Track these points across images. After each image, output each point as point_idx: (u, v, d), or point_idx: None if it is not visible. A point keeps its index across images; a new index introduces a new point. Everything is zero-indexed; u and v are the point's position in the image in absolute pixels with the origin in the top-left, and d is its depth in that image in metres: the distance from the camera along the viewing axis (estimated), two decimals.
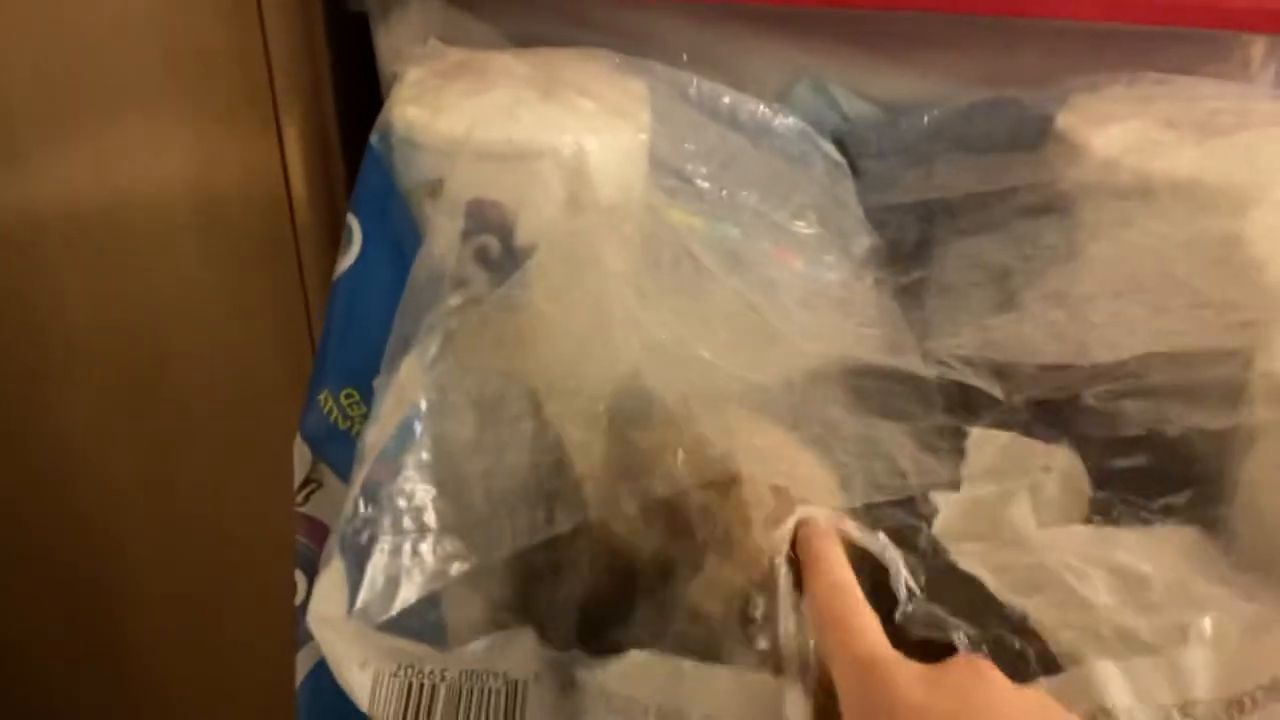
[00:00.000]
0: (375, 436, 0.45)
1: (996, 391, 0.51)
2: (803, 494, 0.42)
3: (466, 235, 0.51)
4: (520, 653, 0.43)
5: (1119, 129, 0.57)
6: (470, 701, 0.42)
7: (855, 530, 0.42)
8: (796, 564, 0.41)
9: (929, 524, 0.45)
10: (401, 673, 0.42)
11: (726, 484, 0.42)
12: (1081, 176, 0.57)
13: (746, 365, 0.48)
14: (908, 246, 0.61)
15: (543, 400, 0.45)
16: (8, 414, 0.85)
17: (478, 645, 0.43)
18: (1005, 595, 0.42)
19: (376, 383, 0.48)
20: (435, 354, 0.46)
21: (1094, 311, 0.53)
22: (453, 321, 0.47)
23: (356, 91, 0.72)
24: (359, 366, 0.52)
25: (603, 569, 0.44)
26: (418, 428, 0.45)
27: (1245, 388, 0.50)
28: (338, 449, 0.53)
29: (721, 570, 0.41)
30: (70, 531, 0.90)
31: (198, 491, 0.87)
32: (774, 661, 0.39)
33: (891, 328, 0.56)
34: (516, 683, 0.43)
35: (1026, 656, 0.41)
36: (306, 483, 0.55)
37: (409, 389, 0.45)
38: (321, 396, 0.53)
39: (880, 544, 0.42)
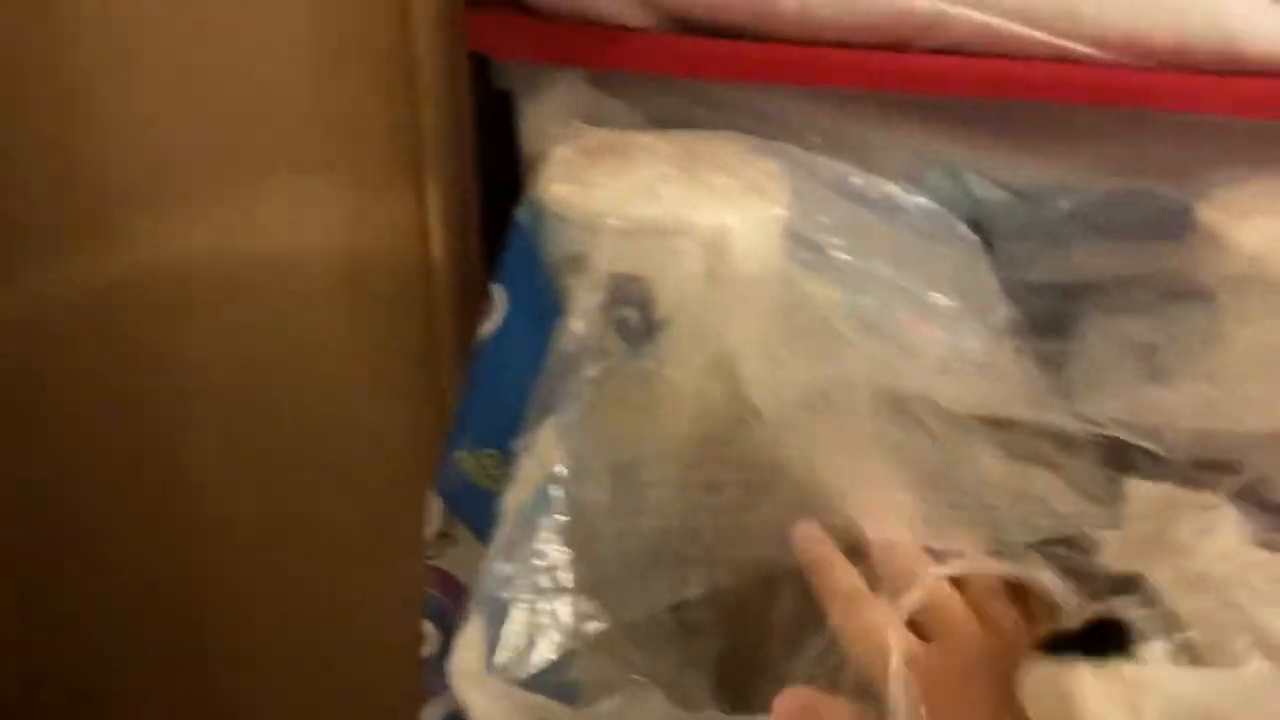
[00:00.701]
0: (514, 498, 0.47)
1: (1156, 447, 0.51)
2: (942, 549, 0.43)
3: (607, 307, 0.53)
4: (650, 713, 0.44)
5: (1263, 223, 0.58)
6: None
7: (1009, 566, 0.42)
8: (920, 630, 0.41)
9: (1091, 555, 0.45)
10: None
11: (853, 550, 0.43)
12: (1226, 268, 0.58)
13: (884, 423, 0.49)
14: (1048, 321, 0.61)
15: (678, 467, 0.46)
16: (144, 468, 0.88)
17: (608, 705, 0.44)
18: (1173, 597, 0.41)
19: (516, 445, 0.50)
20: (574, 421, 0.48)
21: (1247, 389, 0.54)
22: (591, 391, 0.49)
23: (492, 164, 0.75)
24: (498, 429, 0.54)
25: (734, 631, 0.44)
26: (555, 491, 0.47)
27: None
28: (474, 506, 0.55)
29: (845, 637, 0.42)
30: (193, 581, 0.93)
31: (321, 546, 0.90)
32: None
33: (1036, 389, 0.56)
34: None
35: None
36: (439, 537, 0.56)
37: (547, 454, 0.47)
38: (459, 455, 0.56)
39: (1032, 570, 0.42)
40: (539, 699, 0.44)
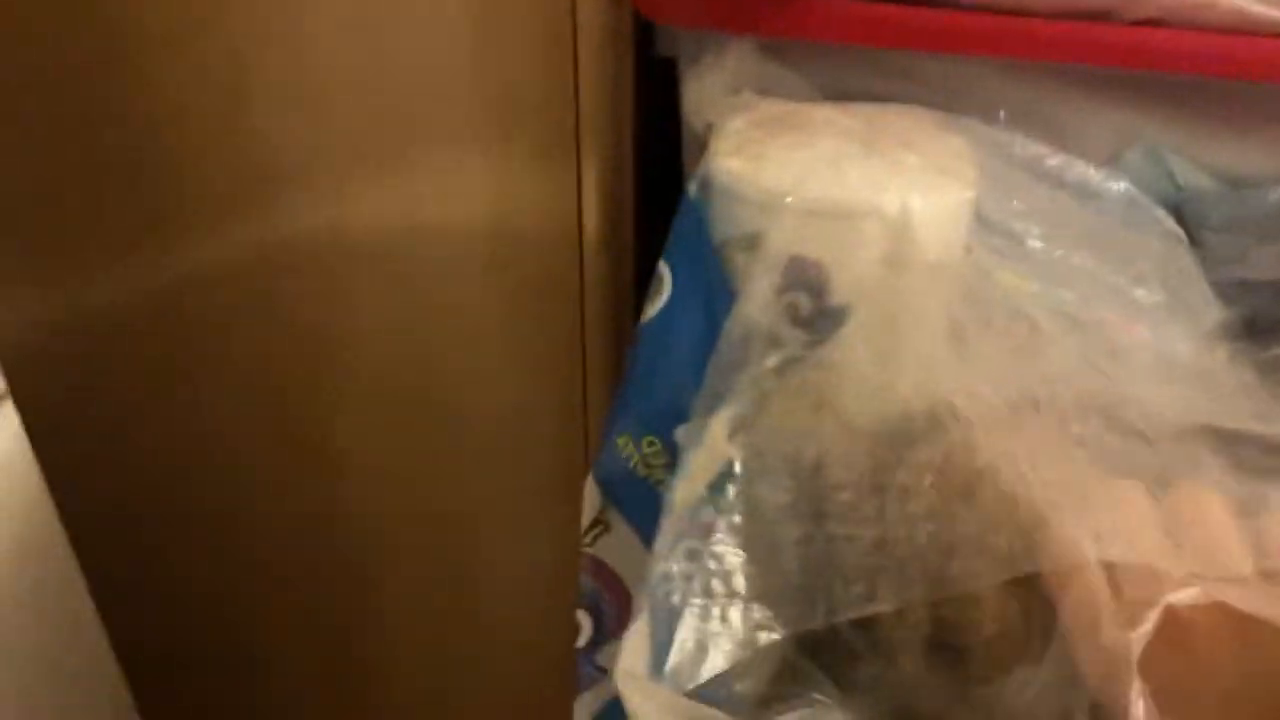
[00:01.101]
0: (685, 493, 0.44)
1: None
2: (1174, 570, 0.38)
3: (781, 292, 0.50)
4: None
5: None
6: None
7: (1249, 598, 0.37)
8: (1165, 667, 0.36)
9: None
10: None
11: (1069, 569, 0.38)
12: None
13: (1095, 428, 0.44)
14: (1265, 323, 0.56)
15: (863, 468, 0.42)
16: (297, 449, 0.88)
17: None
18: None
19: (680, 434, 0.47)
20: (750, 414, 0.44)
21: None
22: (769, 383, 0.45)
23: (650, 136, 0.72)
24: (661, 415, 0.51)
25: (925, 654, 0.40)
26: (730, 489, 0.43)
27: None
28: (633, 494, 0.52)
29: (1061, 672, 0.37)
30: (342, 564, 0.93)
31: (470, 529, 0.88)
32: None
33: (1257, 401, 0.51)
34: None
35: None
36: (594, 524, 0.54)
37: (721, 448, 0.44)
38: (621, 440, 0.53)
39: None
40: (708, 710, 0.40)
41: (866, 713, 0.41)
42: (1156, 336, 0.55)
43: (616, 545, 0.53)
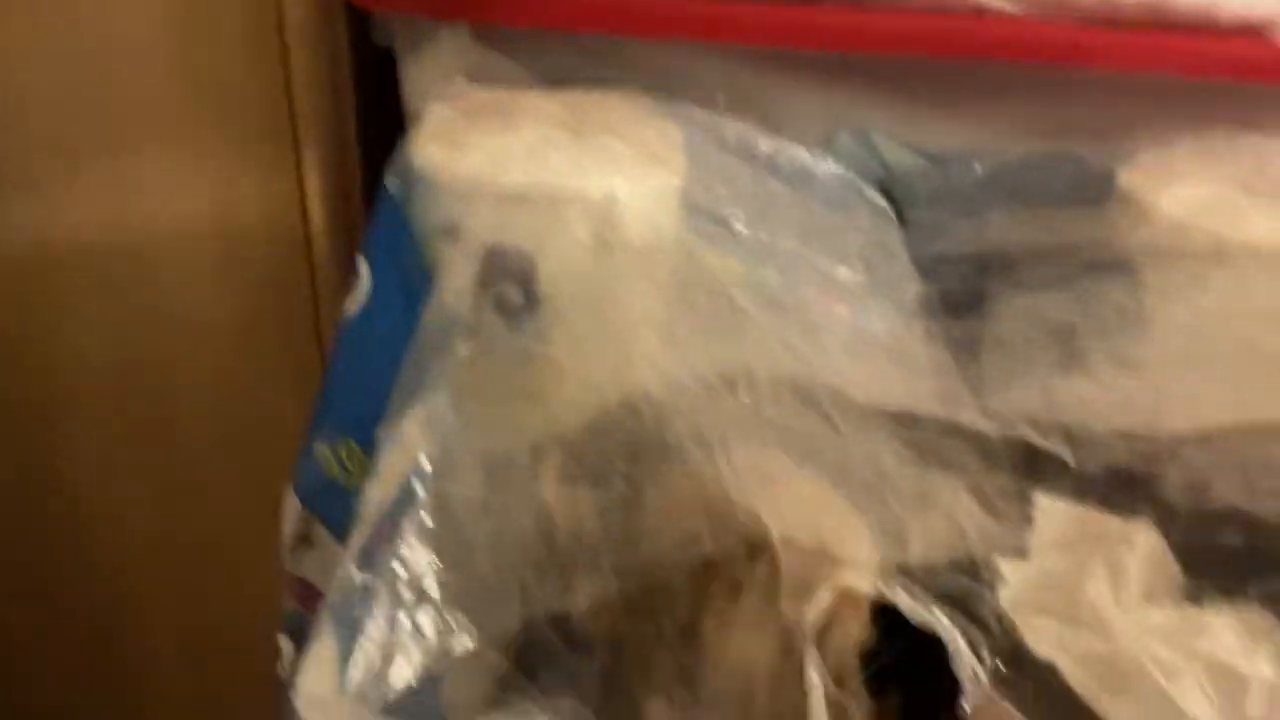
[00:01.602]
0: (377, 495, 0.41)
1: (1067, 456, 0.47)
2: (844, 554, 0.38)
3: (484, 283, 0.48)
4: None
5: (1188, 190, 0.54)
6: None
7: (907, 600, 0.37)
8: (836, 636, 0.36)
9: (993, 592, 0.40)
10: None
11: (753, 547, 0.38)
12: (1149, 237, 0.53)
13: (787, 409, 0.44)
14: (960, 298, 0.57)
15: (558, 458, 0.41)
16: (19, 448, 0.82)
17: None
18: (1088, 691, 0.37)
19: (379, 435, 0.44)
20: (443, 407, 0.42)
21: (1168, 378, 0.50)
22: (463, 374, 0.43)
23: (383, 129, 0.69)
24: (360, 418, 0.48)
25: (623, 646, 0.39)
26: (419, 488, 0.41)
27: None
28: (332, 504, 0.49)
29: (749, 644, 0.37)
30: (78, 565, 0.87)
31: (206, 531, 0.84)
32: None
33: (946, 380, 0.51)
34: None
35: None
36: (298, 541, 0.51)
37: (411, 445, 0.41)
38: (319, 448, 0.50)
39: (937, 619, 0.37)
40: None
41: (568, 713, 0.39)
42: (855, 314, 0.55)
43: (323, 562, 0.50)
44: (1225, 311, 0.51)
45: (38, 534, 0.85)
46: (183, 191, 0.72)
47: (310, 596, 0.50)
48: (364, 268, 0.53)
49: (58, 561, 0.86)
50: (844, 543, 0.39)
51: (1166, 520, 0.45)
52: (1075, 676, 0.38)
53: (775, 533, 0.38)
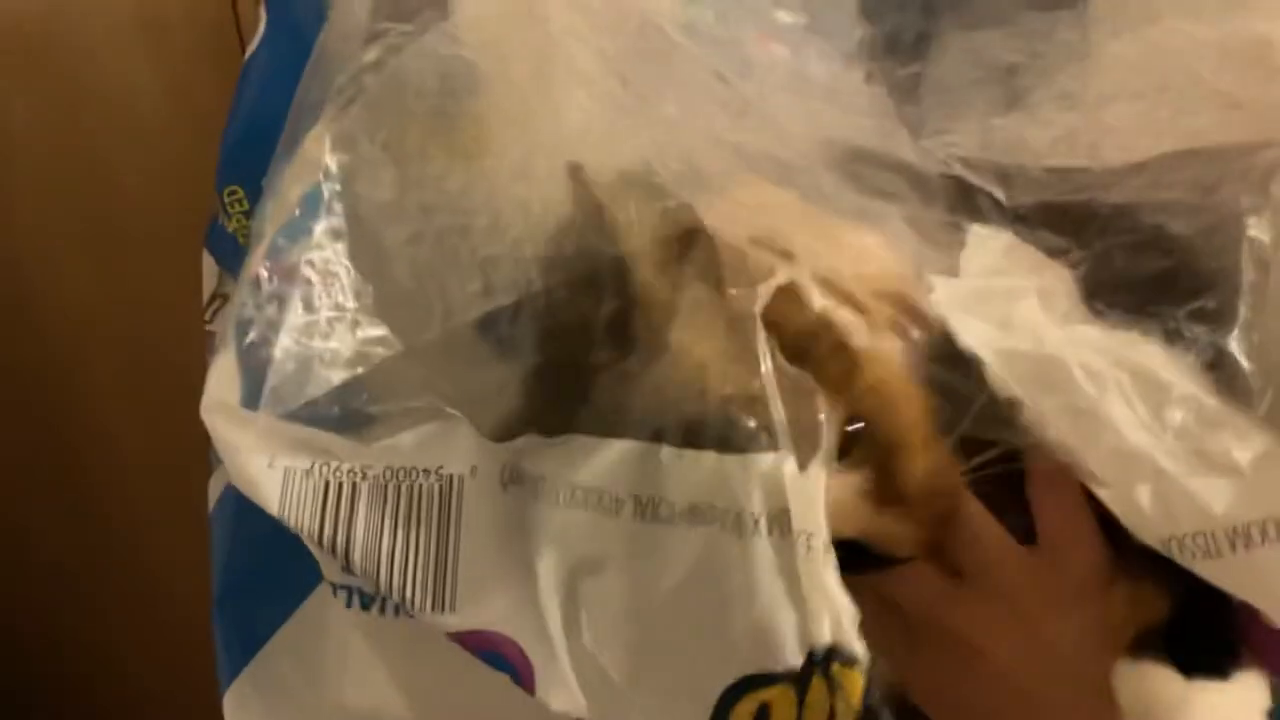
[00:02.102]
0: (274, 212, 0.38)
1: (999, 194, 0.44)
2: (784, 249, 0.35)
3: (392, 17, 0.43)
4: (455, 445, 0.36)
5: None
6: (398, 501, 0.35)
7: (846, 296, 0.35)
8: (780, 326, 0.34)
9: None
10: (316, 470, 0.35)
11: (688, 237, 0.35)
12: None
13: (721, 130, 0.41)
14: (906, 40, 0.53)
15: (475, 154, 0.37)
16: None
17: (405, 438, 0.36)
18: (1008, 387, 0.35)
19: (272, 167, 0.40)
20: (348, 111, 0.38)
21: (1110, 113, 0.47)
22: (368, 77, 0.39)
23: None
24: (252, 163, 0.44)
25: (550, 346, 0.36)
26: (326, 192, 0.38)
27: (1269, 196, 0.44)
28: (231, 253, 0.45)
29: (691, 340, 0.34)
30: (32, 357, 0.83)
31: (151, 305, 0.80)
32: (767, 438, 0.33)
33: (884, 120, 0.49)
34: (451, 478, 0.36)
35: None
36: (214, 298, 0.47)
37: (314, 152, 0.38)
38: (217, 200, 0.46)
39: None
40: (312, 432, 0.35)
41: (495, 416, 0.37)
42: (794, 55, 0.52)
43: None
44: (1173, 45, 0.48)
45: None
46: None
47: None
48: (262, 12, 0.48)
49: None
50: (784, 239, 0.36)
51: (1093, 250, 0.44)
52: (1000, 375, 0.36)
53: (707, 222, 0.35)
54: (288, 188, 0.38)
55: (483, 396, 0.37)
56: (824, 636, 0.31)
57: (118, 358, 0.83)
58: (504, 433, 0.36)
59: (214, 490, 0.43)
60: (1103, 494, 0.35)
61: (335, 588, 0.37)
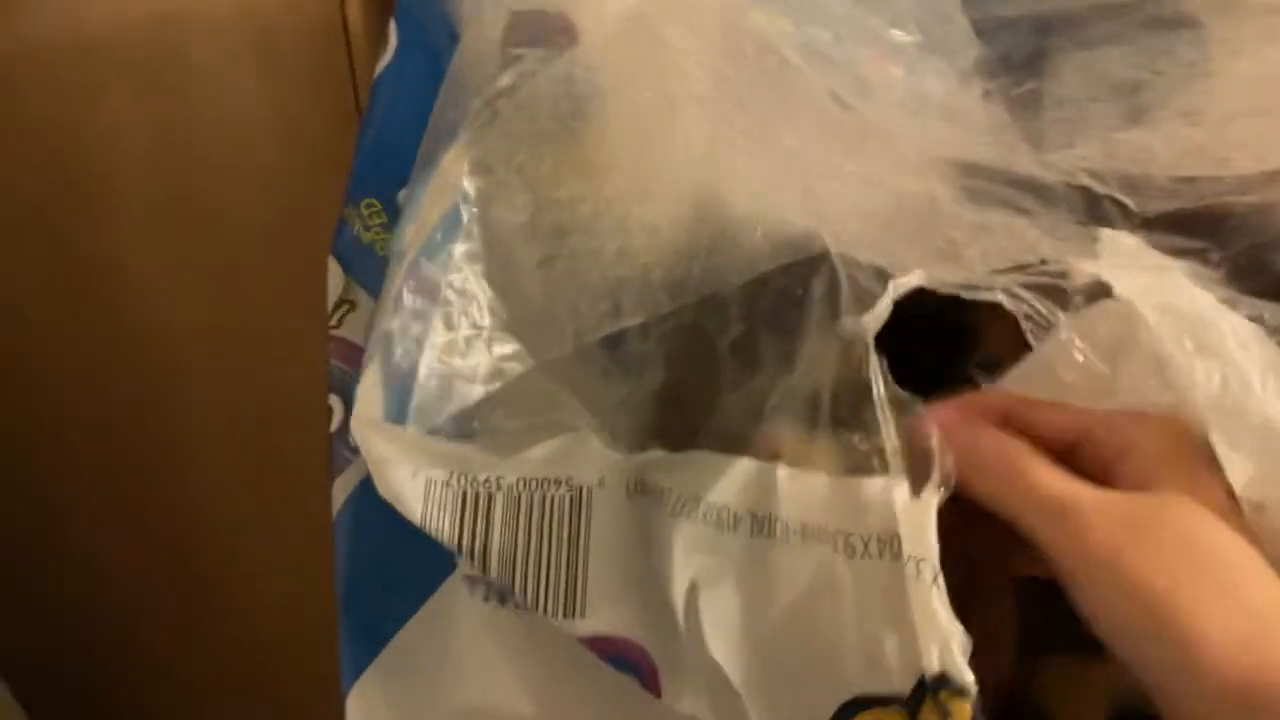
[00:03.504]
0: (415, 233, 0.39)
1: (1129, 201, 0.44)
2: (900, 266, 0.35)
3: (514, 39, 0.44)
4: (584, 457, 0.37)
5: None
6: (531, 510, 0.36)
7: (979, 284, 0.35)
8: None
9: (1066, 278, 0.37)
10: (455, 481, 0.36)
11: (812, 262, 0.35)
12: None
13: (837, 157, 0.41)
14: (1020, 59, 0.53)
15: (602, 177, 0.38)
16: (63, 245, 0.77)
17: (537, 451, 0.37)
18: (1165, 341, 0.34)
19: (411, 185, 0.41)
20: (484, 134, 0.39)
21: (1236, 129, 0.47)
22: (502, 102, 0.40)
23: None
24: (386, 176, 0.45)
25: (675, 366, 0.37)
26: (464, 215, 0.38)
27: None
28: (364, 264, 0.46)
29: (811, 361, 0.34)
30: (116, 352, 0.83)
31: (246, 330, 0.80)
32: (877, 461, 0.33)
33: (1004, 136, 0.48)
34: (581, 488, 0.36)
35: None
36: (340, 304, 0.48)
37: (452, 175, 0.38)
38: (348, 210, 0.47)
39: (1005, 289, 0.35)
40: (454, 446, 0.36)
41: (622, 432, 0.37)
42: (910, 75, 0.51)
43: (363, 321, 0.48)
44: None
45: (75, 324, 0.81)
46: None
47: (355, 354, 0.48)
48: (393, 31, 0.49)
49: (93, 349, 0.82)
50: (899, 257, 0.36)
51: (1229, 249, 0.43)
52: (1155, 324, 0.35)
53: (832, 248, 0.35)
54: (427, 209, 0.39)
55: (611, 411, 0.37)
56: (933, 665, 0.31)
57: (216, 389, 0.83)
58: (631, 446, 0.37)
59: (338, 496, 0.44)
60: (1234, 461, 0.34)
61: (471, 581, 0.38)
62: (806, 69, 0.47)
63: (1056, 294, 0.35)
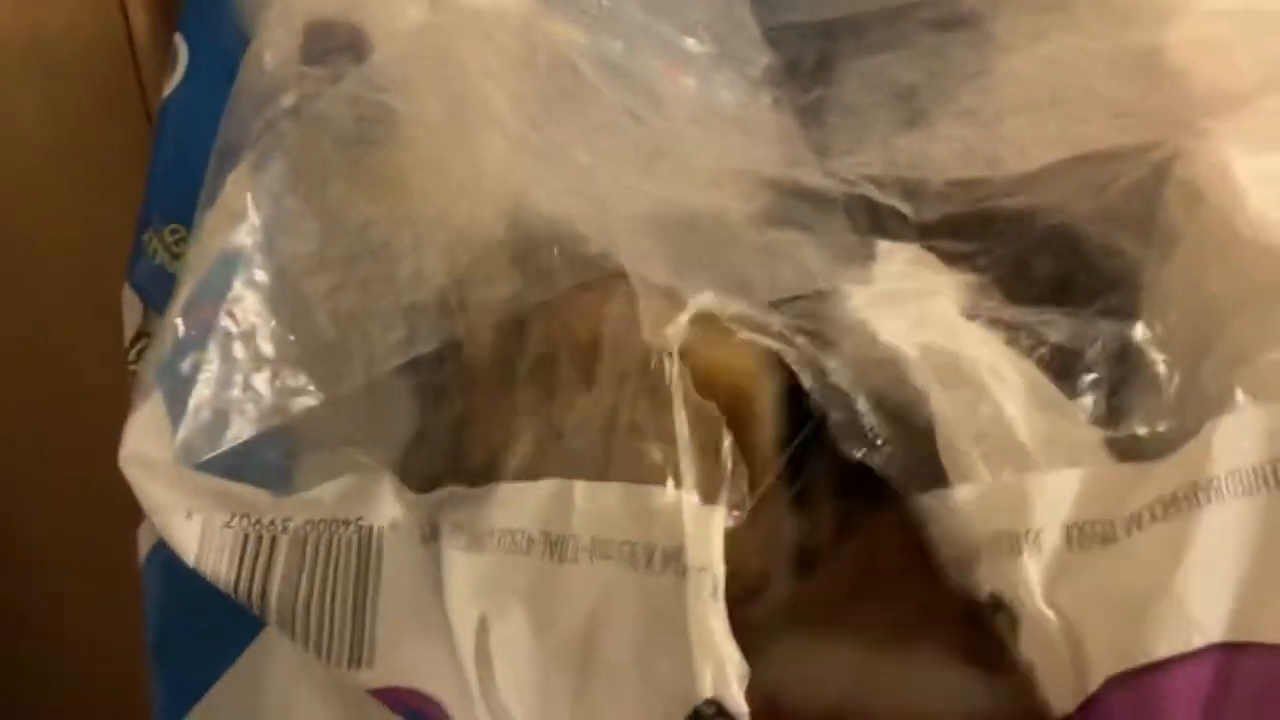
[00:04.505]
0: (196, 256, 0.36)
1: (905, 208, 0.44)
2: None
3: (309, 56, 0.41)
4: (376, 496, 0.34)
5: None
6: (318, 554, 0.34)
7: (760, 322, 0.34)
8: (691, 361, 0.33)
9: (843, 308, 0.37)
10: (235, 522, 0.33)
11: (606, 283, 0.34)
12: None
13: (631, 175, 0.39)
14: (808, 65, 0.52)
15: (396, 200, 0.35)
16: None
17: (326, 490, 0.34)
18: (921, 378, 0.34)
19: (200, 209, 0.38)
20: (269, 159, 0.36)
21: (1007, 127, 0.46)
22: (286, 124, 0.37)
23: None
24: (186, 200, 0.42)
25: (474, 392, 0.35)
26: (247, 243, 0.36)
27: (1162, 195, 0.44)
28: (167, 293, 0.43)
29: (606, 378, 0.33)
30: None
31: (52, 350, 0.74)
32: (671, 472, 0.31)
33: (791, 145, 0.48)
34: (371, 529, 0.34)
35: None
36: (138, 337, 0.45)
37: (235, 200, 0.36)
38: (146, 237, 0.44)
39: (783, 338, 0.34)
40: (233, 486, 0.34)
41: (419, 464, 0.35)
42: (702, 85, 0.50)
43: None
44: (1065, 59, 0.48)
45: None
46: None
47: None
48: (181, 45, 0.46)
49: None
50: (691, 278, 0.35)
51: (995, 256, 0.43)
52: (918, 367, 0.35)
53: (628, 267, 0.34)
54: (208, 237, 0.36)
55: (408, 447, 0.35)
56: (705, 690, 0.30)
57: (20, 414, 0.77)
58: (428, 484, 0.35)
59: (144, 542, 0.41)
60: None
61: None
62: (600, 83, 0.46)
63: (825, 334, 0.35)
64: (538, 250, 0.35)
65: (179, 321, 0.34)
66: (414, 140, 0.37)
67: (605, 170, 0.39)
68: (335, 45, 0.41)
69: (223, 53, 0.45)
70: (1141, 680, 0.30)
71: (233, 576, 0.33)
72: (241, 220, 0.36)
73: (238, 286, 0.35)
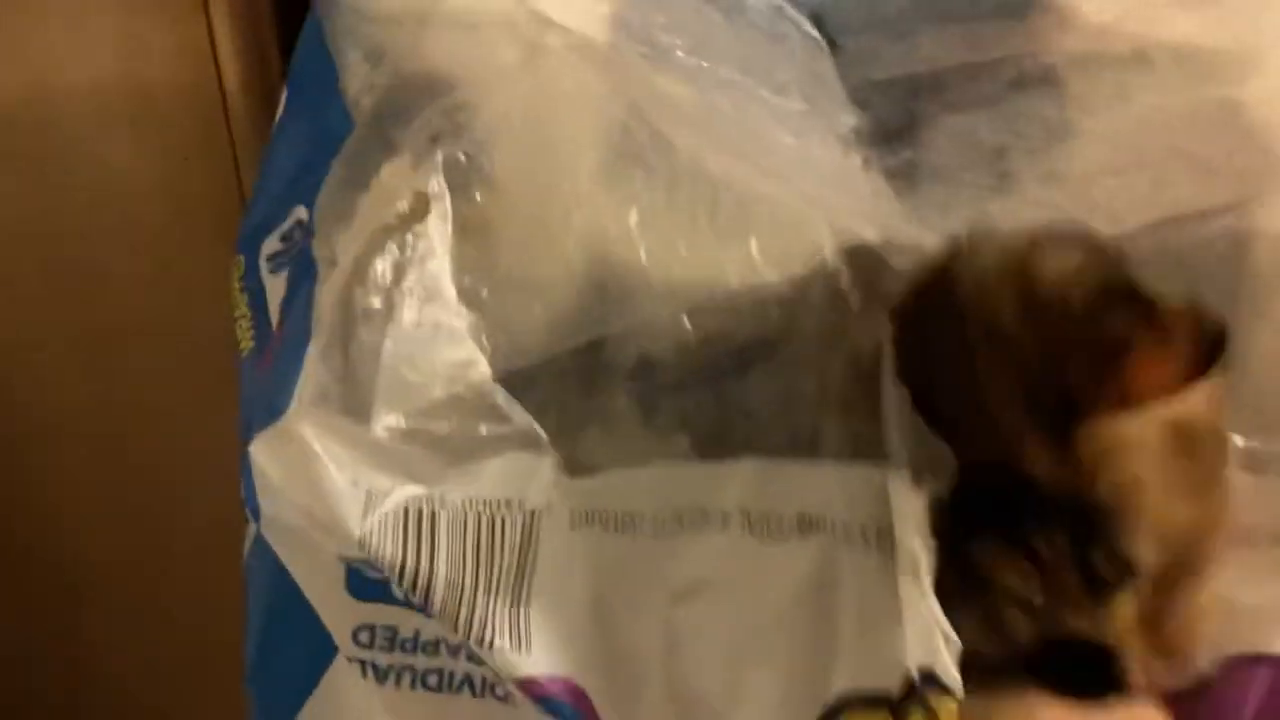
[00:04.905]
0: (351, 240, 0.36)
1: None
2: None
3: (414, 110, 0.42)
4: (536, 478, 0.34)
5: None
6: (479, 533, 0.33)
7: None
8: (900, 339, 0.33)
9: None
10: (397, 492, 0.32)
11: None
12: (1073, 45, 0.51)
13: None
14: (894, 125, 0.53)
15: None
16: None
17: (490, 466, 0.34)
18: None
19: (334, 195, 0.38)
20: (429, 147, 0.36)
21: (1096, 190, 0.48)
22: (439, 120, 0.38)
23: None
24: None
25: (661, 369, 0.34)
26: (434, 210, 0.35)
27: (1248, 251, 0.45)
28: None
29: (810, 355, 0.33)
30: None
31: (138, 391, 0.74)
32: (879, 448, 0.31)
33: (887, 209, 0.49)
34: (531, 513, 0.33)
35: None
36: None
37: (397, 183, 0.36)
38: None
39: None
40: (400, 458, 0.33)
41: (587, 447, 0.34)
42: (801, 143, 0.52)
43: None
44: (1148, 118, 0.50)
45: None
46: (86, 45, 0.64)
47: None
48: (285, 94, 0.47)
49: None
50: None
51: None
52: None
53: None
54: (365, 218, 0.36)
55: (577, 426, 0.35)
56: (920, 661, 0.29)
57: (99, 456, 0.77)
58: (591, 468, 0.34)
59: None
60: None
61: (349, 660, 0.35)
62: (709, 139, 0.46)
63: None
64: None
65: (356, 291, 0.34)
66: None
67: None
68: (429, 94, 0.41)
69: (314, 98, 0.45)
70: None
71: (399, 556, 0.32)
72: (405, 201, 0.36)
73: (418, 254, 0.35)
